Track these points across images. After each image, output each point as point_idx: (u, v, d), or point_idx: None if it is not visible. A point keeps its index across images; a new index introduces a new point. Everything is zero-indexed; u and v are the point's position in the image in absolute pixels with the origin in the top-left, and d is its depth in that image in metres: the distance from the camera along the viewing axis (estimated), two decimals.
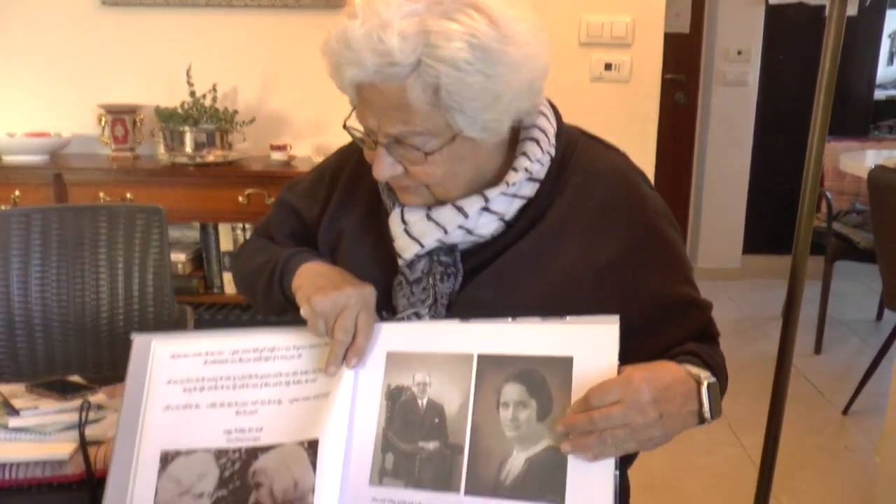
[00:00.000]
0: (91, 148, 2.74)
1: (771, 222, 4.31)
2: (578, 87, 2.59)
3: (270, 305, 1.10)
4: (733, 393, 3.29)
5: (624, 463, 1.13)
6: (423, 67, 0.85)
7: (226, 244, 2.60)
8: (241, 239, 2.57)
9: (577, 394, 0.88)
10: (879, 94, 4.58)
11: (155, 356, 1.02)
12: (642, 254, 0.98)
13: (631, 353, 0.95)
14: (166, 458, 0.97)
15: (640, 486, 1.49)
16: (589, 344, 0.90)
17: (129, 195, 2.43)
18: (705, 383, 0.90)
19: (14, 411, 1.31)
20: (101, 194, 2.43)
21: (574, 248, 0.98)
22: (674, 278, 1.01)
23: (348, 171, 1.11)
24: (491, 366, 0.92)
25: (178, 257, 2.58)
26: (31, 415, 1.31)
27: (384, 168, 0.94)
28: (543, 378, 0.90)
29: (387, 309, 1.02)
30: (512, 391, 0.91)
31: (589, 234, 0.98)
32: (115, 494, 0.98)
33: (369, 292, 0.97)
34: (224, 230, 2.60)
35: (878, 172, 2.49)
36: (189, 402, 0.99)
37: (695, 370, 0.92)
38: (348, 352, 0.94)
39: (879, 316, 3.71)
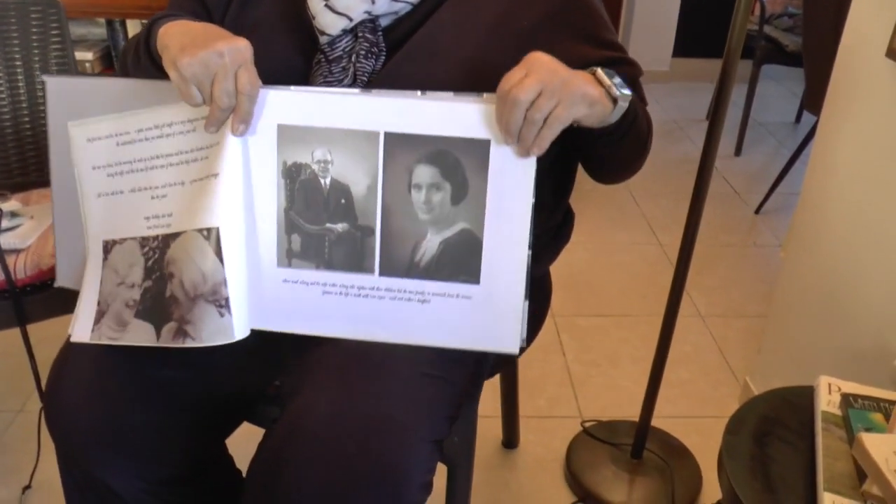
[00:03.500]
0: None
1: (703, 25, 4.25)
2: None
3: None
4: (654, 194, 3.41)
5: (545, 262, 1.17)
6: None
7: None
8: None
9: (493, 177, 0.86)
10: None
11: (74, 142, 0.95)
12: (564, 18, 0.98)
13: None
14: (107, 248, 0.95)
15: (560, 285, 1.56)
16: None
17: None
18: (598, 70, 0.87)
19: None
20: None
21: (494, 14, 0.96)
22: (598, 41, 1.00)
23: None
24: (400, 145, 0.86)
25: (85, 56, 2.42)
26: None
27: None
28: (458, 160, 0.86)
29: None
30: (424, 173, 0.87)
31: (509, 1, 0.96)
32: (67, 274, 0.99)
33: (244, 46, 0.84)
34: (133, 27, 2.43)
35: None
36: (115, 189, 0.95)
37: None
38: (232, 118, 0.85)
39: (798, 119, 3.80)
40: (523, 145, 0.83)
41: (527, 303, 0.90)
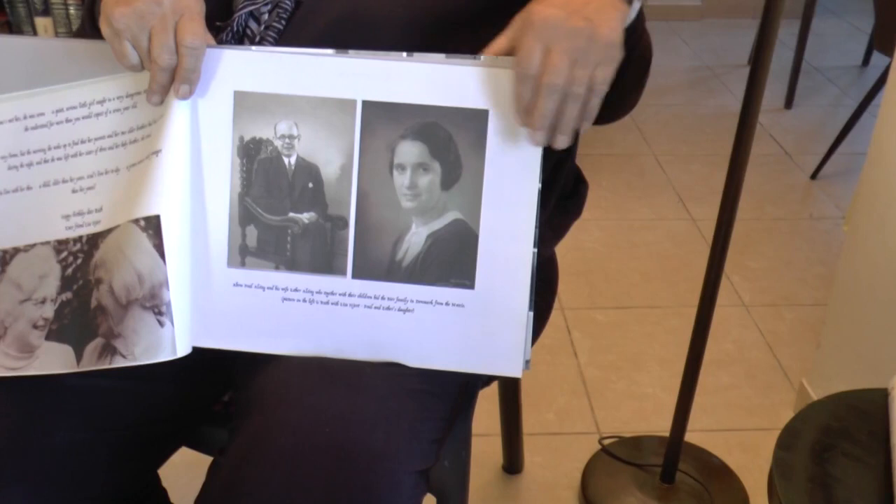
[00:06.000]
0: None
1: None
2: None
3: None
4: (684, 158, 3.42)
5: (549, 242, 1.16)
6: None
7: None
8: None
9: (492, 156, 0.87)
10: None
11: None
12: None
13: None
14: (4, 259, 0.94)
15: (569, 271, 1.55)
16: (508, 93, 0.86)
17: None
18: None
19: None
20: None
21: None
22: None
23: None
24: (381, 116, 0.88)
25: None
26: None
27: None
28: (450, 135, 0.87)
29: (224, 18, 0.99)
30: (409, 150, 0.88)
31: None
32: None
33: None
34: None
35: None
36: (19, 184, 0.94)
37: None
38: (174, 78, 0.86)
39: (865, 61, 3.80)
40: (566, 129, 0.83)
41: (531, 313, 0.90)
